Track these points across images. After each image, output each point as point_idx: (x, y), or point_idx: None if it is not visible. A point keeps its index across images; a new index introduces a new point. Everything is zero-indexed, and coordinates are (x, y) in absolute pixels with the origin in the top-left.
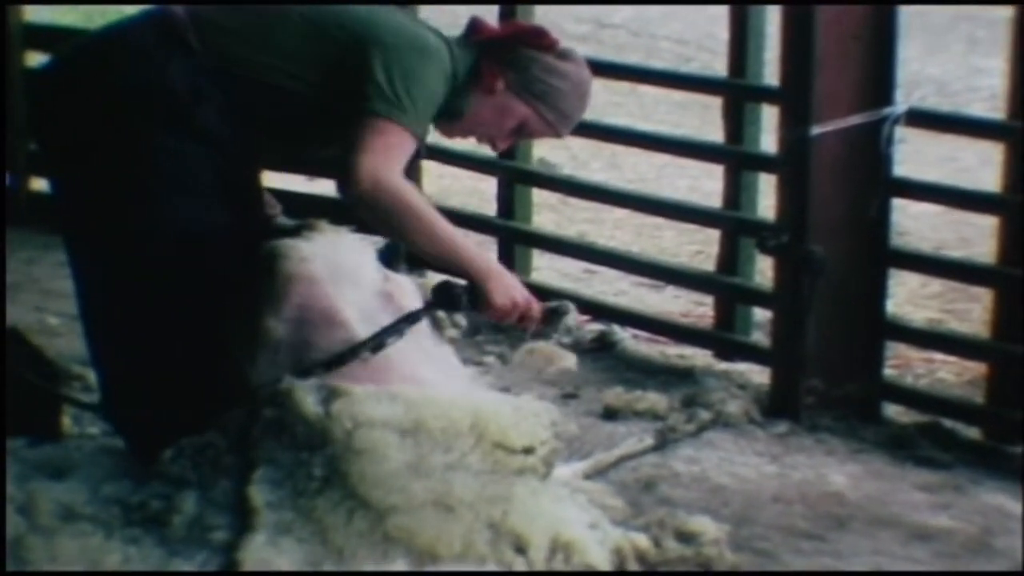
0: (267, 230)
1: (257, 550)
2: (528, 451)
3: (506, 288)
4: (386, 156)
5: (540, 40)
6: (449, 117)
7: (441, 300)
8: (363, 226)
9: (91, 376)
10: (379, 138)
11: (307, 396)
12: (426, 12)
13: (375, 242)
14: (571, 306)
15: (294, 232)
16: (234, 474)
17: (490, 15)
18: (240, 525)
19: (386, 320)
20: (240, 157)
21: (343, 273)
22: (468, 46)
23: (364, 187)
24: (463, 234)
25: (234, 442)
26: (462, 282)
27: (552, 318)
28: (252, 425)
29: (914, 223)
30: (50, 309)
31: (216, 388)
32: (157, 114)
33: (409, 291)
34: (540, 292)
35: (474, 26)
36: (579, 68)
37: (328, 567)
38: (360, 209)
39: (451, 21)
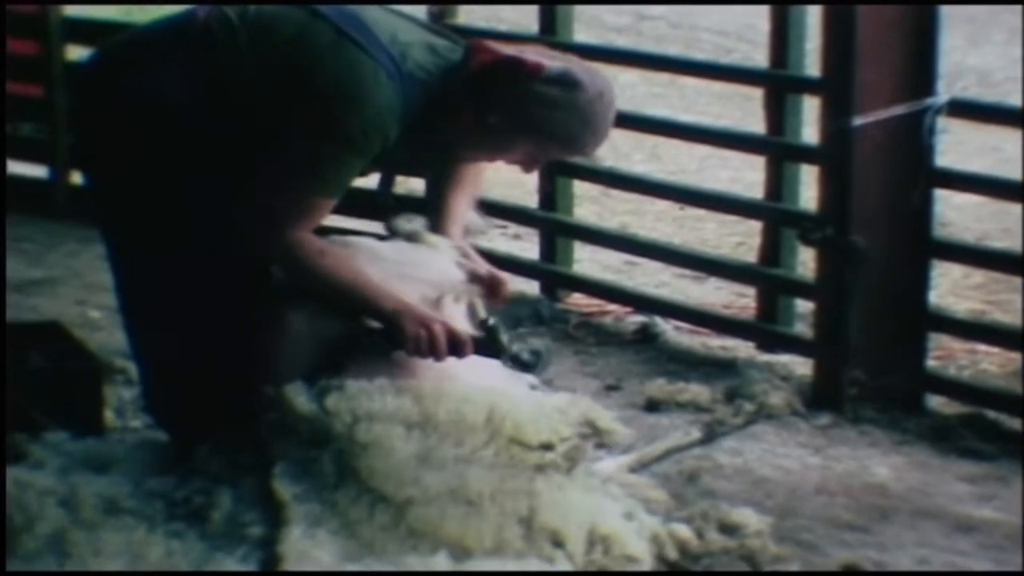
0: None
1: (296, 543)
2: (547, 447)
3: (417, 318)
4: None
5: (520, 71)
6: (429, 147)
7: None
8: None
9: (133, 369)
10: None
11: (297, 395)
12: (466, 11)
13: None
14: (498, 322)
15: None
16: (256, 471)
17: (531, 14)
18: (272, 519)
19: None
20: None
21: (401, 274)
22: (456, 73)
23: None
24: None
25: (249, 441)
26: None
27: (489, 338)
28: (259, 426)
29: (957, 214)
30: (92, 303)
31: (253, 381)
32: (184, 112)
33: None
34: (582, 284)
35: (467, 54)
36: (571, 91)
37: (365, 561)
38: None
39: (491, 15)
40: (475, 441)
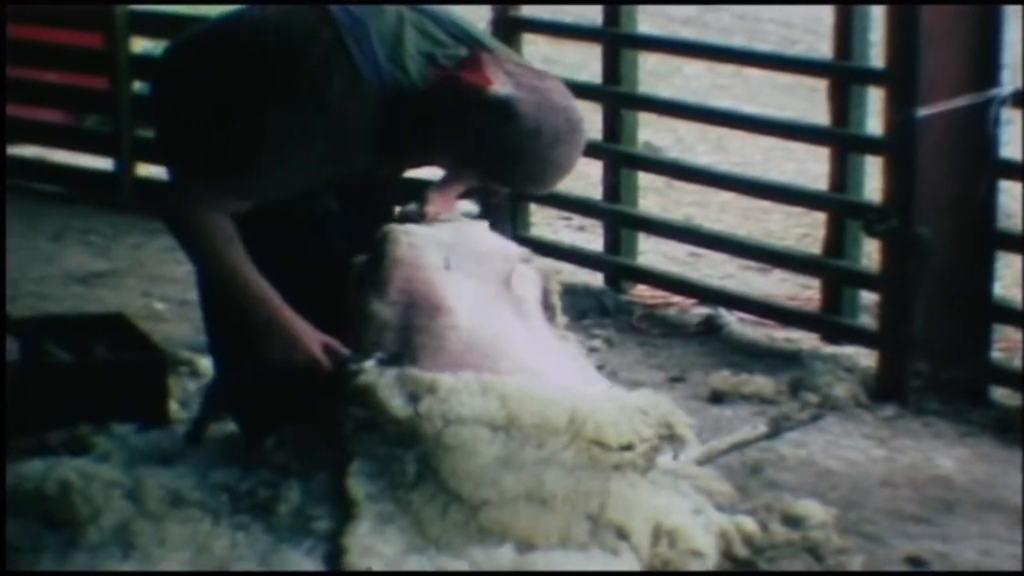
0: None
1: (362, 537)
2: (627, 448)
3: (287, 340)
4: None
5: (460, 91)
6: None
7: None
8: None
9: (199, 361)
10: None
11: (393, 397)
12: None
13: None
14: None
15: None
16: (330, 467)
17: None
18: (342, 515)
19: (504, 311)
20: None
21: (460, 260)
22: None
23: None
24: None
25: (328, 436)
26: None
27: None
28: (343, 421)
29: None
30: (156, 294)
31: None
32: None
33: (530, 281)
34: (646, 276)
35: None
36: (502, 123)
37: (428, 553)
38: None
39: (557, 7)
40: (556, 443)
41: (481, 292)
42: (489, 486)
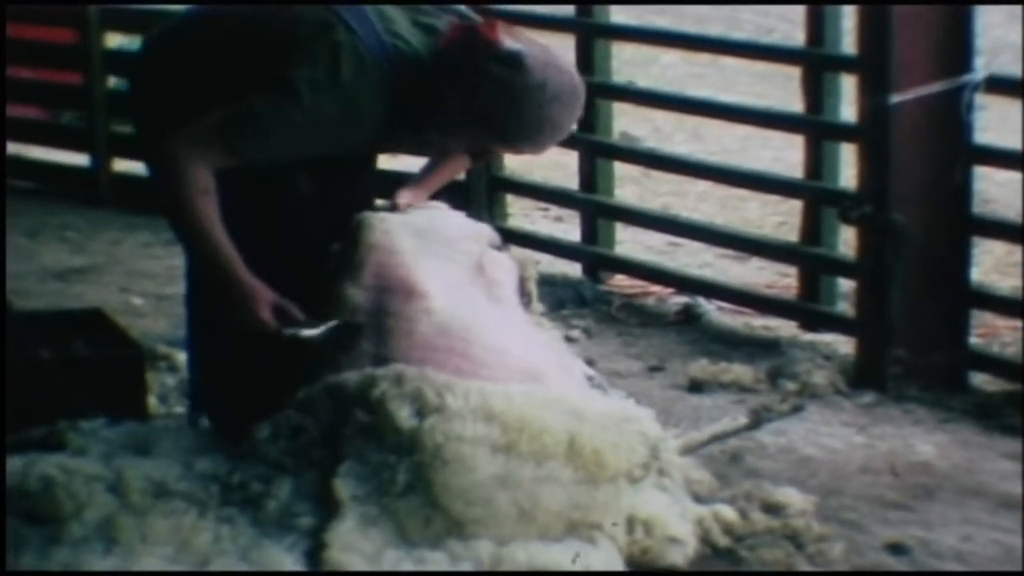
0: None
1: (344, 534)
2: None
3: (233, 299)
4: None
5: (475, 42)
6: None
7: None
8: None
9: (177, 356)
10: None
11: (401, 409)
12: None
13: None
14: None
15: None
16: (321, 466)
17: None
18: (326, 514)
19: (477, 295)
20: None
21: (432, 245)
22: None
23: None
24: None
25: (324, 434)
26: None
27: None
28: (343, 423)
29: (1000, 191)
30: (134, 290)
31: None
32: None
33: (505, 267)
34: (624, 265)
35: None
36: (512, 73)
37: (405, 548)
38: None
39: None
40: (554, 465)
41: (454, 276)
42: (482, 504)
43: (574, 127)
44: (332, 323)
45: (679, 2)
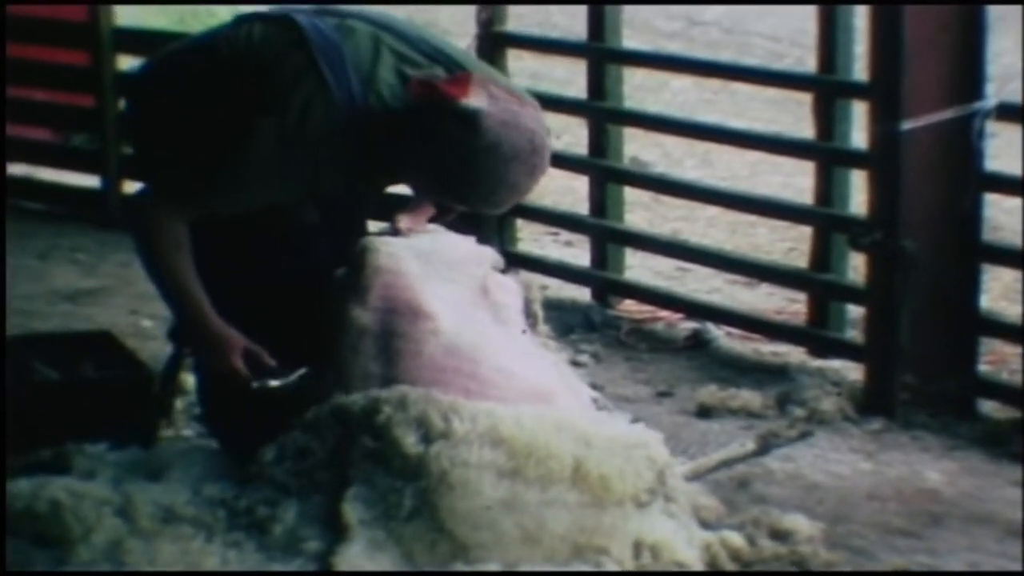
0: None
1: (352, 558)
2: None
3: (205, 348)
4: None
5: (435, 99)
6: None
7: None
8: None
9: (186, 379)
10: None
11: (407, 435)
12: (516, 15)
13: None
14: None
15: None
16: (327, 490)
17: (579, 15)
18: (333, 538)
19: (483, 316)
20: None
21: (436, 268)
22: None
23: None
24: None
25: (329, 458)
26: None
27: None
28: (349, 445)
29: (1008, 218)
30: (144, 312)
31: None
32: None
33: (510, 289)
34: (633, 290)
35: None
36: (464, 133)
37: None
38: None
39: (543, 19)
40: (560, 489)
41: (460, 298)
42: (487, 529)
43: (538, 185)
44: (301, 371)
45: (692, 2)
